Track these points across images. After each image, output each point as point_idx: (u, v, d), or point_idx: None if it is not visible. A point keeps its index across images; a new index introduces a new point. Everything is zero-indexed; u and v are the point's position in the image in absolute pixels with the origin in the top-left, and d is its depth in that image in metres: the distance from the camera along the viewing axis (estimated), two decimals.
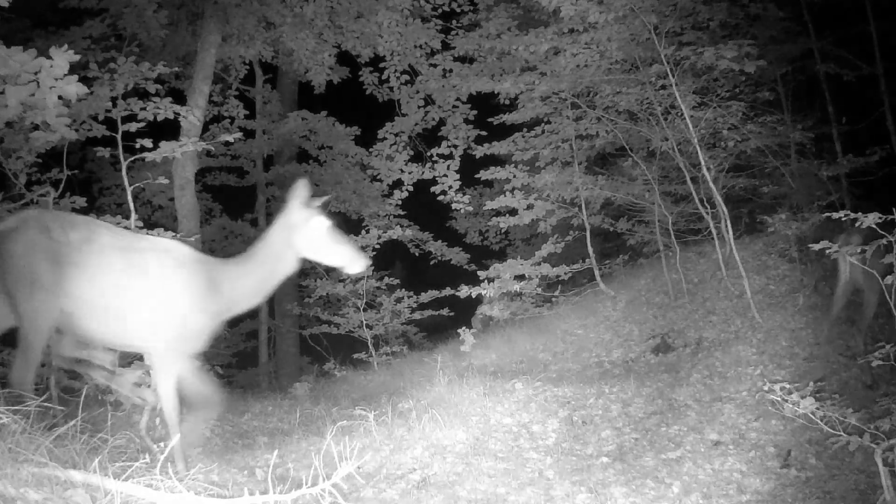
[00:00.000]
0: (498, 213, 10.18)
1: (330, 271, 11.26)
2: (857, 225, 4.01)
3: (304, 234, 3.65)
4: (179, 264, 3.61)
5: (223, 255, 11.99)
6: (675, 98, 7.28)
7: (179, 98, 7.94)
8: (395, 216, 12.13)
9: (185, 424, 3.68)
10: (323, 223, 3.68)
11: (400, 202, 12.21)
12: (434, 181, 12.02)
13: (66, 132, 4.12)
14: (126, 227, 5.28)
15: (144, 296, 3.49)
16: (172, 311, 3.53)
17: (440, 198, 12.03)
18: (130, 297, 3.47)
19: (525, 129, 9.75)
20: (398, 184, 12.25)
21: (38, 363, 3.55)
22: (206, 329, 3.65)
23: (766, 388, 3.93)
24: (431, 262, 12.74)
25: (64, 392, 5.02)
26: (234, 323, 10.83)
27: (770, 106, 8.59)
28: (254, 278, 3.69)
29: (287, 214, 3.66)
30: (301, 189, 3.65)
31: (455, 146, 12.13)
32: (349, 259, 3.73)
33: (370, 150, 12.21)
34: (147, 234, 4.96)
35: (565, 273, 9.23)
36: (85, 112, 5.36)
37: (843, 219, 4.13)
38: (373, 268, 9.49)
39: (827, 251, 4.20)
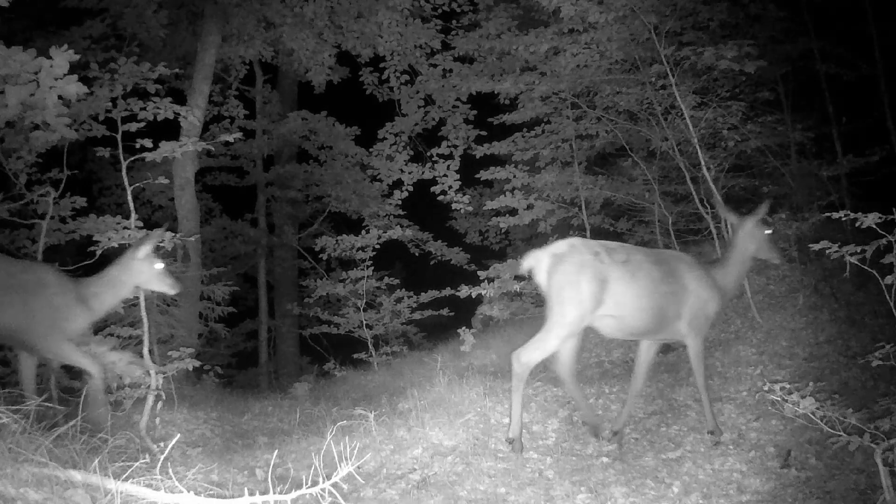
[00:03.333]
0: (498, 213, 10.17)
1: (330, 271, 11.29)
2: (857, 225, 4.01)
3: (762, 243, 4.90)
4: (693, 267, 4.71)
5: (222, 255, 12.03)
6: (675, 98, 7.28)
7: (179, 98, 7.94)
8: (395, 216, 12.12)
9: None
10: (768, 233, 4.96)
11: (400, 202, 12.20)
12: (434, 181, 12.02)
13: (66, 132, 4.13)
14: (126, 227, 5.30)
15: (678, 294, 4.52)
16: (698, 303, 4.58)
17: (440, 198, 12.03)
18: (669, 298, 4.49)
19: (525, 129, 9.74)
20: (398, 184, 12.25)
21: (549, 355, 4.45)
22: (719, 312, 4.82)
23: (766, 388, 3.93)
24: (431, 262, 12.74)
25: (64, 392, 5.02)
26: (234, 323, 10.83)
27: (770, 106, 8.58)
28: (734, 276, 4.89)
29: (748, 227, 4.87)
30: (763, 208, 4.89)
31: (455, 146, 12.13)
32: (777, 256, 5.09)
33: (370, 150, 12.20)
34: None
35: None
36: (85, 112, 5.37)
37: (843, 219, 4.13)
38: (372, 268, 9.50)
39: (827, 251, 4.20)
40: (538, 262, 4.46)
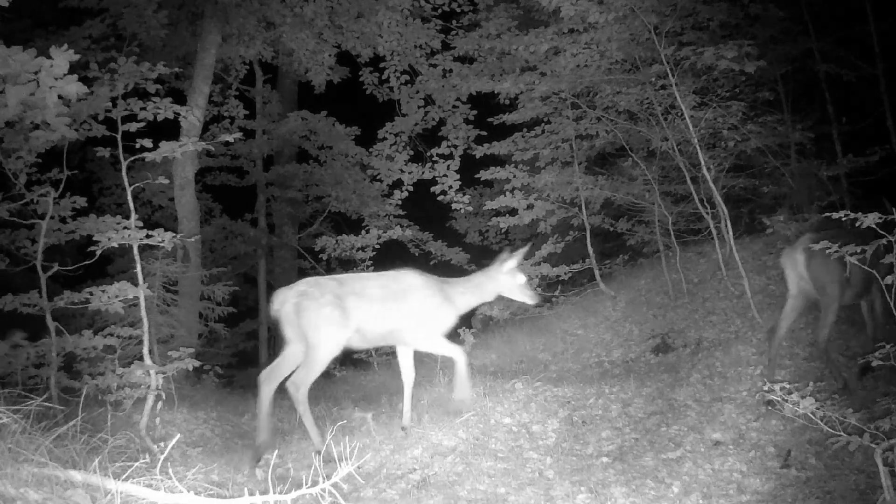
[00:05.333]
0: (498, 213, 10.18)
1: (330, 271, 11.28)
2: (857, 225, 4.01)
3: None
4: None
5: (222, 255, 12.03)
6: (675, 98, 7.28)
7: (179, 98, 7.93)
8: (395, 216, 12.12)
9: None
10: None
11: (400, 202, 12.20)
12: (434, 181, 12.02)
13: (66, 132, 4.12)
14: (126, 227, 5.30)
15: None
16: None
17: (440, 198, 12.02)
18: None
19: (525, 129, 9.75)
20: (398, 184, 12.24)
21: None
22: None
23: (766, 388, 3.92)
24: (431, 262, 12.74)
25: (64, 392, 5.02)
26: (234, 323, 10.83)
27: (770, 106, 8.58)
28: None
29: None
30: None
31: (455, 146, 12.13)
32: None
33: (370, 150, 12.20)
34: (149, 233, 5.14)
35: (565, 273, 9.22)
36: (85, 112, 5.36)
37: (843, 219, 4.13)
38: (372, 268, 9.50)
39: (827, 251, 4.20)
40: (793, 261, 5.17)
